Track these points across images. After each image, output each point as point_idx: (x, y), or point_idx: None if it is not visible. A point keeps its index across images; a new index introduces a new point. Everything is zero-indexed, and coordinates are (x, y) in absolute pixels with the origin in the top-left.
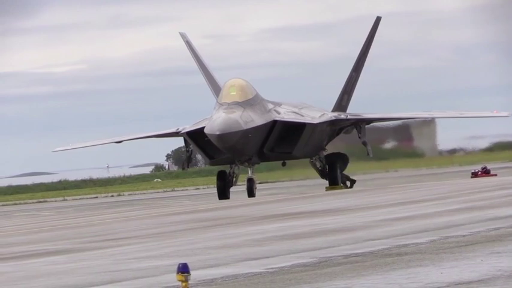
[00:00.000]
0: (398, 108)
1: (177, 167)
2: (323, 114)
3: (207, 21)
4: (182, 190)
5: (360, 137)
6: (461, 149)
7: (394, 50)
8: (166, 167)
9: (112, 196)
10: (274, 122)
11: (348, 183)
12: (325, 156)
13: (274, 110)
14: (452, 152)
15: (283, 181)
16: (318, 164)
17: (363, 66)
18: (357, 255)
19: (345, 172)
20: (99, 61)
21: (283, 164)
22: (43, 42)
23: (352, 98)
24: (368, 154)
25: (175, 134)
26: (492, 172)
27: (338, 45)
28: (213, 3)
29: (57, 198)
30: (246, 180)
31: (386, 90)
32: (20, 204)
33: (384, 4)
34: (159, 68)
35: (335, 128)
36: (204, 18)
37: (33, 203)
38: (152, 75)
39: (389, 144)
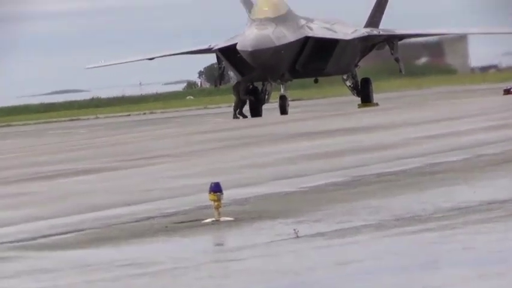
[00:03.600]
0: (431, 24)
1: (209, 84)
2: (356, 30)
3: None
4: (215, 107)
5: (392, 53)
6: (493, 66)
7: None
8: (199, 84)
9: (144, 114)
10: (307, 38)
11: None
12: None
13: (307, 26)
14: (485, 69)
15: (315, 98)
16: (350, 81)
17: None
18: (389, 174)
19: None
20: None
21: (316, 81)
22: None
23: (384, 13)
24: (400, 71)
25: (208, 50)
26: None
27: None
28: None
29: (90, 116)
30: (278, 97)
31: (419, 5)
32: (52, 122)
33: None
34: None
35: (367, 44)
36: None
37: (65, 121)
38: None
39: (421, 61)
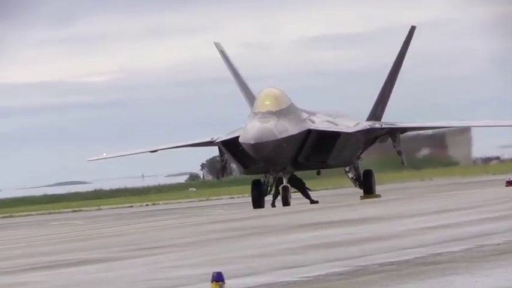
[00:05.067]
0: (433, 118)
1: (211, 176)
2: (358, 123)
3: (241, 31)
4: (217, 199)
5: (394, 146)
6: (496, 158)
7: (428, 59)
8: (201, 176)
9: (147, 205)
10: (309, 131)
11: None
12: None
13: (309, 119)
14: (487, 160)
15: (318, 190)
16: (353, 173)
17: (397, 75)
18: (392, 263)
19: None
20: (134, 71)
21: (318, 173)
22: (80, 51)
23: (387, 107)
24: (403, 163)
25: (210, 143)
26: None
27: (372, 54)
28: (248, 14)
29: (92, 208)
30: (280, 188)
31: (420, 99)
32: (55, 213)
33: (417, 14)
34: (195, 77)
35: (370, 137)
36: (239, 29)
37: (68, 212)
38: (187, 85)
39: (423, 153)
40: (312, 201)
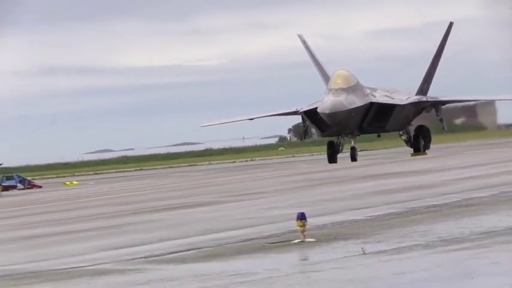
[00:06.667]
0: (466, 92)
1: (296, 138)
2: (409, 97)
3: (319, 25)
4: (300, 156)
5: (437, 115)
6: None
7: (464, 48)
8: (288, 138)
9: (246, 161)
10: (371, 103)
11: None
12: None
13: (371, 94)
14: (509, 126)
15: (378, 149)
16: (405, 136)
17: (439, 60)
18: (434, 206)
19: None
20: (237, 57)
21: (378, 136)
22: (196, 41)
23: (431, 84)
24: (443, 128)
25: (295, 112)
26: None
27: (421, 43)
28: (324, 11)
29: (204, 163)
30: (349, 148)
31: (457, 78)
32: (175, 167)
33: (456, 11)
34: (283, 62)
35: (418, 108)
36: (317, 23)
37: (185, 166)
38: (277, 68)
39: (459, 120)
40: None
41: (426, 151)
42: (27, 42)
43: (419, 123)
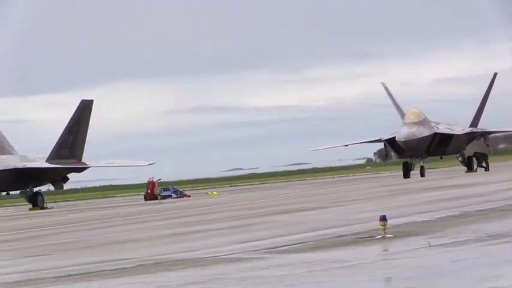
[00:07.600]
0: (508, 125)
1: (380, 159)
2: (464, 129)
3: (398, 74)
4: (383, 173)
5: (485, 142)
6: None
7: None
8: (374, 160)
9: (342, 177)
10: (436, 133)
11: (484, 164)
12: (474, 153)
13: (436, 126)
14: None
15: (440, 168)
16: (461, 158)
17: (486, 101)
18: (483, 210)
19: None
20: (338, 98)
21: (441, 158)
22: (308, 87)
23: (481, 118)
24: (490, 152)
25: (379, 140)
26: None
27: (475, 89)
28: (400, 63)
29: (311, 178)
30: (419, 167)
31: (501, 113)
32: (291, 181)
33: (500, 63)
34: (371, 103)
35: (471, 137)
36: (396, 72)
37: (297, 180)
38: (367, 107)
39: (502, 146)
40: (486, 169)
41: (486, 171)
42: (181, 88)
43: (475, 150)
